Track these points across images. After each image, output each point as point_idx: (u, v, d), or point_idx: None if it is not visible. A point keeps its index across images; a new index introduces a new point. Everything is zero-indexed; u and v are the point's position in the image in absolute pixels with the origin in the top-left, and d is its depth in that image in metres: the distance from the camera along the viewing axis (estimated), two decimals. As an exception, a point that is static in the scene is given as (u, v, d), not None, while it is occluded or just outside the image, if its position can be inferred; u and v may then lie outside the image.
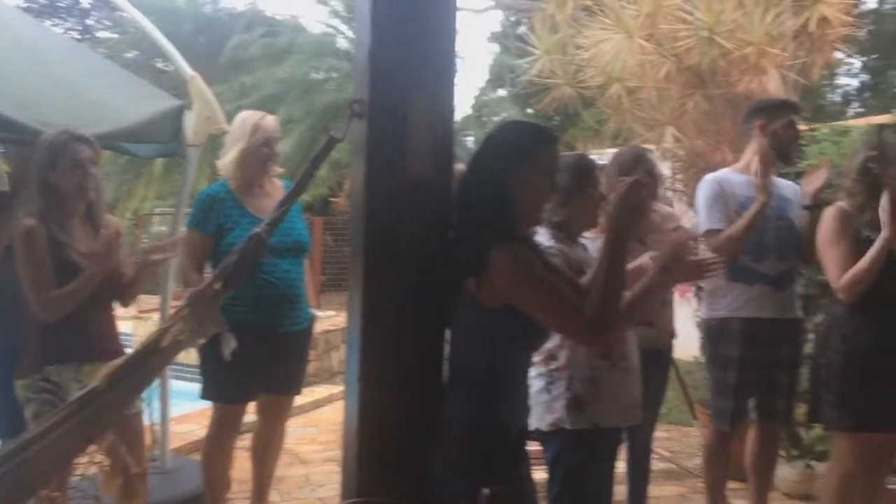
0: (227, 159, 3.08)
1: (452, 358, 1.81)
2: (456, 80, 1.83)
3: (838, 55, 5.27)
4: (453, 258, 1.77)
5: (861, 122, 5.13)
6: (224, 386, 2.97)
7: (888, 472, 3.12)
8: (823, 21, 4.48)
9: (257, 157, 3.05)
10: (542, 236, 2.36)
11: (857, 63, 14.49)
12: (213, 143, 3.79)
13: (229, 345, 2.16)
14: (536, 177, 1.81)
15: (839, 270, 2.72)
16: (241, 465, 3.36)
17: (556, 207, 2.34)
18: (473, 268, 1.71)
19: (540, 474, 2.33)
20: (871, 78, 15.19)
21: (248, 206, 3.03)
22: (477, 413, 1.76)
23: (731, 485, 3.43)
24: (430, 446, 1.76)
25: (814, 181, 3.13)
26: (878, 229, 2.67)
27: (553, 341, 2.30)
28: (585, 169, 2.41)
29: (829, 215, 2.81)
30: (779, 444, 3.42)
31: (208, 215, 3.00)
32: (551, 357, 2.34)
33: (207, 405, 3.14)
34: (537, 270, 1.74)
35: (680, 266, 2.01)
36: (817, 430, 3.67)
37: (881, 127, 2.86)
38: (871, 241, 2.68)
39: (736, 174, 3.17)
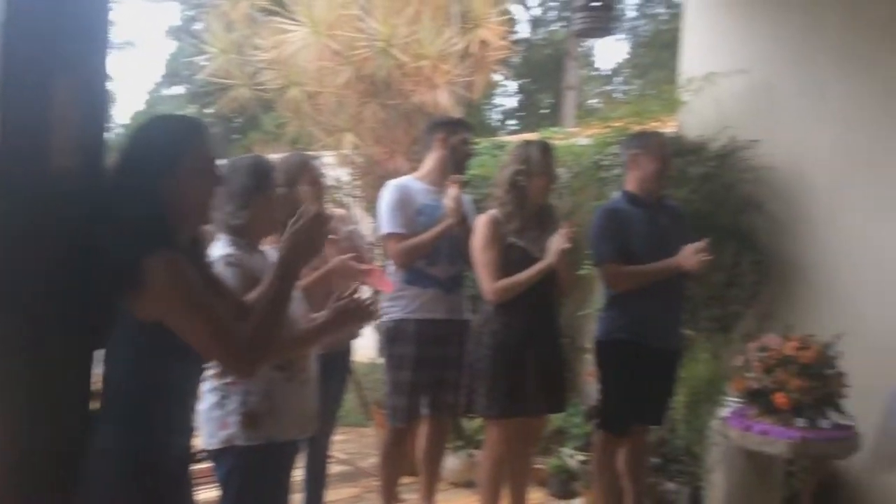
0: None
1: (105, 379, 1.61)
2: (120, 69, 1.63)
3: (497, 77, 5.81)
4: (104, 268, 1.56)
5: (516, 138, 5.68)
6: None
7: (535, 452, 3.49)
8: (484, 44, 4.89)
9: None
10: (221, 242, 2.23)
11: (513, 85, 16.17)
12: None
13: None
14: (191, 173, 1.65)
15: (489, 274, 2.98)
16: None
17: (234, 211, 2.23)
18: (126, 279, 1.53)
19: (211, 493, 2.20)
20: (524, 99, 17.03)
21: None
22: (132, 439, 1.59)
23: (402, 480, 3.57)
24: (78, 482, 1.54)
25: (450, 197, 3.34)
26: (523, 236, 2.98)
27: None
28: (262, 170, 2.33)
29: (481, 222, 3.06)
30: (447, 437, 3.64)
31: None
32: (225, 371, 2.22)
33: None
34: (193, 286, 1.59)
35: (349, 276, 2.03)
36: (478, 420, 3.98)
37: (526, 143, 3.18)
38: (516, 247, 2.99)
39: (416, 181, 3.33)
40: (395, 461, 3.39)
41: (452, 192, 3.18)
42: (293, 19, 4.61)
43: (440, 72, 4.61)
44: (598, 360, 3.30)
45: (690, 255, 3.01)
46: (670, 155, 3.34)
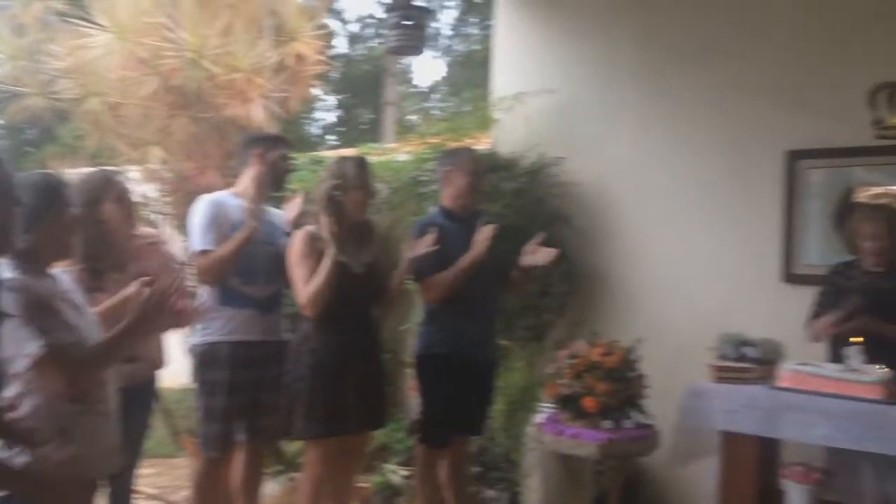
0: None
1: None
2: None
3: (315, 91, 5.74)
4: None
5: (335, 153, 5.64)
6: None
7: (357, 471, 3.46)
8: (300, 58, 4.82)
9: None
10: (4, 267, 2.01)
11: (332, 100, 16.09)
12: None
13: None
14: None
15: (304, 288, 2.92)
16: None
17: (19, 233, 2.01)
18: None
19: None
20: (344, 114, 16.98)
21: None
22: None
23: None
24: None
25: (292, 209, 3.32)
26: (341, 251, 2.95)
27: (14, 389, 1.97)
28: (51, 189, 2.13)
29: (297, 238, 3.01)
30: (265, 463, 3.51)
31: None
32: (11, 407, 2.00)
33: None
34: None
35: (161, 315, 1.91)
36: (298, 443, 3.89)
37: (343, 158, 3.17)
38: (334, 262, 2.94)
39: (232, 198, 3.20)
40: (210, 492, 3.21)
41: (251, 192, 3.12)
42: (94, 23, 4.31)
43: (254, 85, 4.48)
44: (418, 374, 3.33)
45: (482, 239, 3.13)
46: (483, 171, 3.43)
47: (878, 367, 2.75)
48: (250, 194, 3.14)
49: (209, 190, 3.55)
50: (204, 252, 3.08)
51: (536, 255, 3.26)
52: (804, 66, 3.65)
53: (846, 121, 3.38)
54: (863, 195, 3.51)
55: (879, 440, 2.60)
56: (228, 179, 3.63)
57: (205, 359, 3.15)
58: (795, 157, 3.65)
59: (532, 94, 4.32)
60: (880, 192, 3.49)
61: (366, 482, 3.97)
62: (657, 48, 4.14)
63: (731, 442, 2.97)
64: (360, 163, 3.10)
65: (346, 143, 13.21)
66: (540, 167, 4.32)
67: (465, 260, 3.16)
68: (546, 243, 4.27)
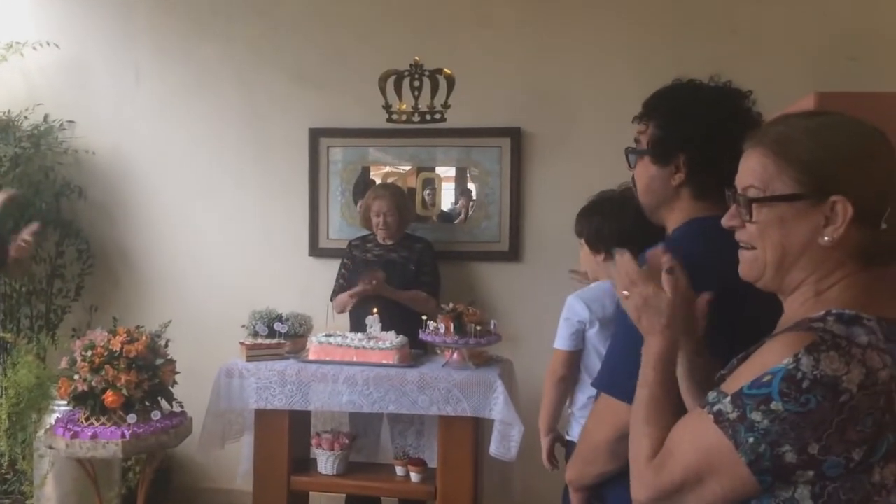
0: None
1: None
2: None
3: None
4: None
5: None
6: None
7: None
8: None
9: None
10: None
11: None
12: None
13: None
14: None
15: None
16: None
17: None
18: None
19: None
20: None
21: None
22: None
23: None
24: None
25: None
26: None
27: None
28: None
29: None
30: None
31: None
32: None
33: None
34: None
35: None
36: None
37: None
38: None
39: None
40: None
41: None
42: None
43: None
44: None
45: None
46: None
47: (393, 334, 2.99)
48: None
49: None
50: None
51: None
52: (322, 48, 3.75)
53: (362, 103, 3.57)
54: (375, 174, 3.79)
55: (396, 401, 2.84)
56: None
57: None
58: (317, 135, 3.76)
59: (32, 46, 3.73)
60: (390, 171, 3.80)
61: None
62: (178, 12, 3.88)
63: (265, 418, 2.98)
64: None
65: None
66: (46, 131, 3.78)
67: None
68: (57, 218, 3.79)
